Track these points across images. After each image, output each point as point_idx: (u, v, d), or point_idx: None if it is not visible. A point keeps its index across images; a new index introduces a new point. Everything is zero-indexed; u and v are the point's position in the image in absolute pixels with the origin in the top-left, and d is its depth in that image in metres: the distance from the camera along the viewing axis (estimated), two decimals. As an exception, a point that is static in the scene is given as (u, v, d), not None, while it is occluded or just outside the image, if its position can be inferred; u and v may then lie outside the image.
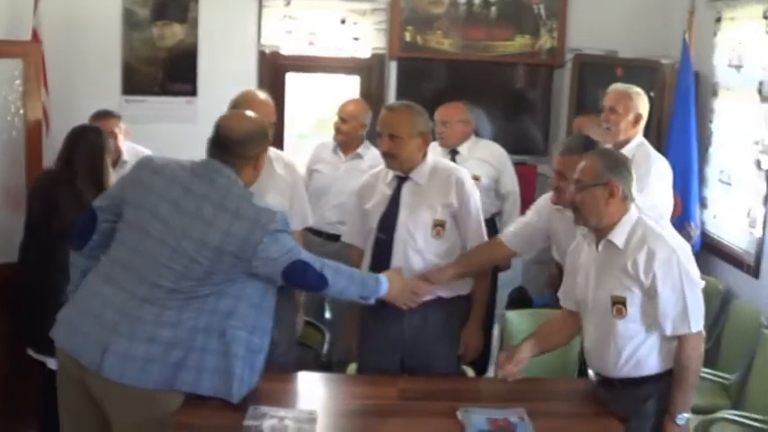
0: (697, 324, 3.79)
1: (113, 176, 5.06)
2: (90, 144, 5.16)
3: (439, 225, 4.57)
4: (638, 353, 3.87)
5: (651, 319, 3.82)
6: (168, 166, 3.87)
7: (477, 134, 6.55)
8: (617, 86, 5.49)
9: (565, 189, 4.20)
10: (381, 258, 4.61)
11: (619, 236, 3.86)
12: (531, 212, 4.80)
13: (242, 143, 3.84)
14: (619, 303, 3.86)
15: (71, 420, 3.99)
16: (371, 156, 6.14)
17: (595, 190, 3.85)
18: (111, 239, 3.89)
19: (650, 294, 3.79)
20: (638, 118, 5.33)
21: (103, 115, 5.96)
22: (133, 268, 3.76)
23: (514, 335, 5.22)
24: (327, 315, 5.33)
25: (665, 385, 3.85)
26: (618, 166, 3.89)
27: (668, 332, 3.79)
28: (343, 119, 6.30)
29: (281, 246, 3.76)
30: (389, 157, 4.60)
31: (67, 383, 3.90)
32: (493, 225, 6.38)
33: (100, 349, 3.66)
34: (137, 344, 3.67)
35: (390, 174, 4.70)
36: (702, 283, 3.87)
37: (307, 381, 4.44)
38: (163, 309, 3.71)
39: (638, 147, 5.30)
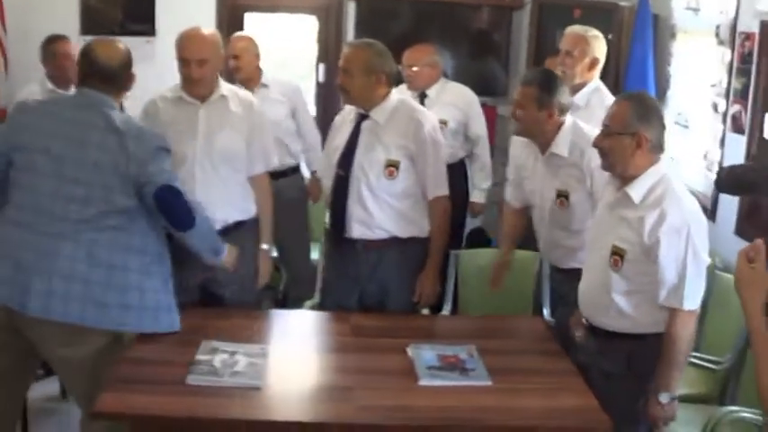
0: (691, 302, 3.65)
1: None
2: None
3: (392, 165, 4.54)
4: (627, 308, 3.77)
5: (646, 279, 3.69)
6: (46, 104, 4.17)
7: (447, 77, 6.51)
8: (573, 29, 5.42)
9: (522, 119, 4.32)
10: (339, 194, 4.64)
11: (637, 189, 3.74)
12: (510, 165, 4.83)
13: (119, 70, 4.04)
14: (617, 255, 3.76)
15: None
16: (277, 82, 6.15)
17: (623, 139, 3.72)
18: (7, 187, 3.92)
19: (650, 256, 3.66)
20: (594, 62, 5.28)
21: (60, 37, 6.10)
22: (38, 208, 3.83)
23: (468, 275, 5.27)
24: (274, 254, 5.29)
25: (648, 349, 3.73)
26: (649, 115, 3.73)
27: (660, 300, 3.68)
28: (236, 56, 6.08)
29: (160, 166, 3.92)
30: (342, 91, 4.63)
31: None
32: (462, 168, 6.41)
33: (23, 291, 3.74)
34: (56, 280, 3.76)
35: (354, 111, 4.70)
36: (707, 262, 3.73)
37: (261, 317, 4.50)
38: (76, 243, 3.80)
39: (594, 91, 5.26)
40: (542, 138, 4.40)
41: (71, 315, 3.77)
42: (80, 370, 3.91)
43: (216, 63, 4.55)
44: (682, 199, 3.68)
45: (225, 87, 4.63)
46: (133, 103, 5.54)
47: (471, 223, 6.67)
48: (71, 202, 3.80)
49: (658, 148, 3.75)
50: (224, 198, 4.55)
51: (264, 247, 4.73)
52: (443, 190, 4.69)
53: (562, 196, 4.36)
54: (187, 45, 4.53)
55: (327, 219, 4.78)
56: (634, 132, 3.70)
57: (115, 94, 4.04)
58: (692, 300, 3.65)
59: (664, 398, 3.70)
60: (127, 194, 3.86)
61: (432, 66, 6.23)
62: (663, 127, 3.78)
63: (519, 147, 4.65)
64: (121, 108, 4.19)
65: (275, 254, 5.35)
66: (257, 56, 6.15)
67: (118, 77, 4.03)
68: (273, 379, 3.71)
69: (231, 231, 4.54)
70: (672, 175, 3.80)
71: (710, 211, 5.57)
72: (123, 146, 3.82)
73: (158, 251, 4.04)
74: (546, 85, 4.32)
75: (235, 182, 4.61)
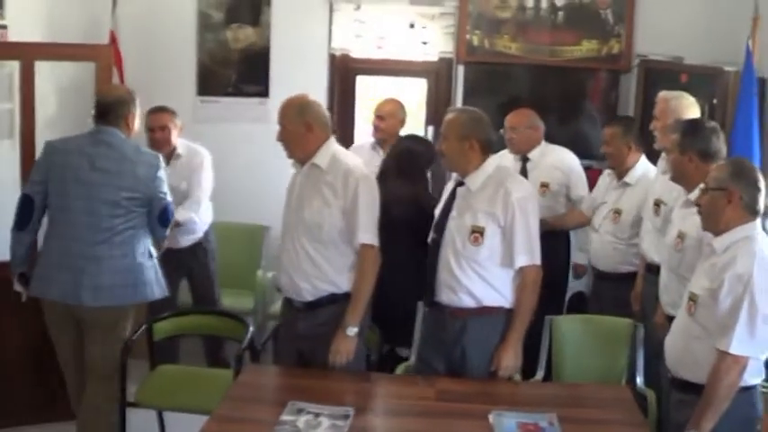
0: (739, 348, 3.68)
1: (169, 169, 5.68)
2: None
3: (477, 232, 4.56)
4: (699, 355, 3.82)
5: (712, 326, 3.78)
6: (71, 141, 5.08)
7: (549, 140, 6.55)
8: (660, 94, 5.56)
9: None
10: (431, 259, 4.71)
11: (721, 241, 3.87)
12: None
13: (113, 106, 5.05)
14: (691, 300, 3.90)
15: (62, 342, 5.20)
16: None
17: (716, 194, 3.88)
18: (44, 212, 5.06)
19: (716, 300, 3.75)
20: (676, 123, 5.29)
21: (158, 110, 6.24)
22: (78, 224, 4.94)
23: (563, 341, 5.25)
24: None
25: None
26: (743, 174, 3.87)
27: (713, 342, 3.76)
28: (380, 117, 6.41)
29: (164, 185, 5.11)
30: (441, 155, 4.76)
31: (55, 318, 5.13)
32: (565, 231, 6.43)
33: (77, 288, 4.91)
34: (102, 277, 4.94)
35: (454, 178, 4.82)
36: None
37: (351, 380, 4.54)
38: (111, 246, 4.96)
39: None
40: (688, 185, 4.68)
41: (115, 299, 4.98)
42: (112, 333, 5.07)
43: (293, 129, 4.64)
44: (757, 252, 3.76)
45: (320, 156, 4.67)
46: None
47: (573, 288, 6.63)
48: (101, 218, 4.93)
49: (751, 208, 3.85)
50: (310, 270, 4.66)
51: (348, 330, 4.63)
52: (534, 259, 4.63)
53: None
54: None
55: None
56: (726, 188, 3.83)
57: (122, 127, 5.07)
58: (740, 346, 3.69)
59: None
60: (143, 207, 5.03)
61: (533, 128, 6.28)
62: (758, 189, 3.87)
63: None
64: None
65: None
66: (402, 121, 6.43)
67: (113, 112, 5.04)
68: (353, 441, 3.77)
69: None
70: (761, 234, 3.88)
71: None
72: (133, 171, 4.96)
73: (148, 240, 5.18)
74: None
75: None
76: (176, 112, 6.28)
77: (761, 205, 3.89)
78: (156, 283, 5.15)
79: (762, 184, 3.91)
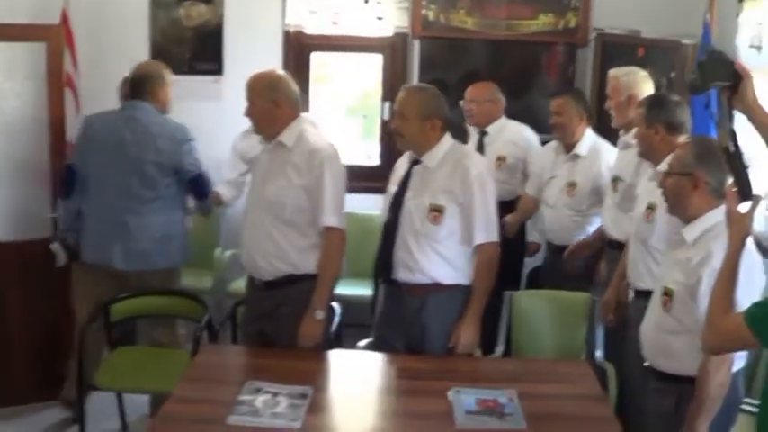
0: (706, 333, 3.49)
1: None
2: None
3: (435, 210, 4.53)
4: (676, 349, 3.77)
5: (692, 320, 3.63)
6: (106, 115, 5.50)
7: (506, 114, 6.55)
8: (610, 72, 5.61)
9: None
10: (387, 238, 4.68)
11: (692, 231, 3.79)
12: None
13: (140, 81, 5.46)
14: (666, 295, 3.79)
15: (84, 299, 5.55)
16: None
17: (680, 179, 3.80)
18: (86, 181, 5.39)
19: (694, 296, 3.65)
20: (630, 99, 5.32)
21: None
22: (110, 193, 5.33)
23: (522, 316, 5.27)
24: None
25: None
26: (708, 157, 3.73)
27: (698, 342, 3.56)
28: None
29: (190, 157, 5.40)
30: (396, 135, 4.66)
31: (88, 278, 5.56)
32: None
33: (109, 252, 5.34)
34: (131, 242, 5.33)
35: (407, 156, 4.75)
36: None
37: (309, 358, 4.51)
38: (139, 215, 5.33)
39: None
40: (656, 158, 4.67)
41: (144, 263, 5.38)
42: None
43: (261, 105, 4.59)
44: None
45: (287, 134, 4.62)
46: (199, 137, 5.74)
47: (532, 263, 6.64)
48: (128, 187, 5.29)
49: (718, 192, 3.71)
50: (270, 249, 4.63)
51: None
52: (492, 237, 4.61)
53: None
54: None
55: None
56: (690, 173, 3.74)
57: (152, 101, 5.43)
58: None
59: None
60: (169, 178, 5.35)
61: (492, 102, 6.30)
62: (724, 171, 3.67)
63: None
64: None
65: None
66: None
67: (141, 87, 5.42)
68: (312, 421, 3.75)
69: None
70: None
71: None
72: (156, 143, 5.30)
73: (183, 209, 5.54)
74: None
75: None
76: None
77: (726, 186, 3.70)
78: (181, 250, 5.55)
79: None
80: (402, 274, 4.63)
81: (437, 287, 4.60)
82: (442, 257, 4.59)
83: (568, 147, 5.81)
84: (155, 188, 5.34)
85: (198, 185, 5.42)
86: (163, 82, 5.51)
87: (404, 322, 4.68)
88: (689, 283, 3.67)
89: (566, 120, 5.77)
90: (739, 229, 3.09)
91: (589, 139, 5.78)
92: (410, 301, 4.64)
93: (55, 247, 5.70)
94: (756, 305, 2.94)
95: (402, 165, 4.81)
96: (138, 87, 5.44)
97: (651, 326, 3.95)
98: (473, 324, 4.61)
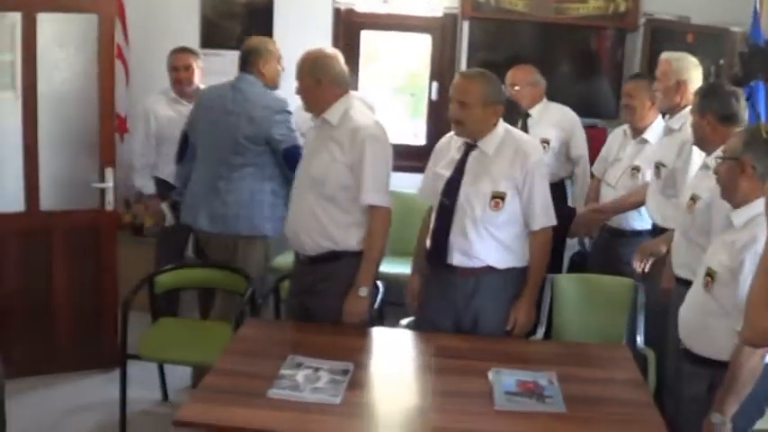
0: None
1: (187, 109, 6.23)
2: None
3: (497, 197, 4.52)
4: (715, 332, 3.76)
5: (733, 304, 3.62)
6: (216, 88, 5.70)
7: (550, 97, 6.52)
8: (662, 56, 5.50)
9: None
10: (442, 223, 4.65)
11: (740, 216, 3.79)
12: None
13: (247, 55, 5.61)
14: (709, 276, 3.80)
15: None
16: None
17: (729, 164, 3.81)
18: (195, 148, 5.66)
19: (736, 279, 3.64)
20: (679, 84, 5.27)
21: (182, 50, 6.50)
22: (208, 160, 5.56)
23: (563, 300, 5.26)
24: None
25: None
26: (756, 143, 3.74)
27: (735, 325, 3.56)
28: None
29: (282, 128, 5.46)
30: (457, 124, 4.59)
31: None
32: (562, 189, 6.43)
33: (198, 215, 5.56)
34: (217, 207, 5.49)
35: (460, 140, 4.69)
36: None
37: (352, 335, 4.54)
38: (229, 181, 5.47)
39: (688, 114, 5.21)
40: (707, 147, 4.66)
41: (227, 227, 5.49)
42: (233, 260, 5.54)
43: (306, 83, 4.63)
44: None
45: (332, 111, 4.64)
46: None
47: (574, 247, 6.62)
48: (223, 155, 5.47)
49: (767, 178, 3.70)
50: (312, 225, 4.66)
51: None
52: (550, 221, 4.65)
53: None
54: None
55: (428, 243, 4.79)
56: (738, 157, 3.75)
57: (256, 74, 5.56)
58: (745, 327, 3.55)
59: (715, 418, 3.66)
60: (260, 147, 5.44)
61: (533, 85, 6.27)
62: None
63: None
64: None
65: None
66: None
67: (247, 60, 5.58)
68: (352, 397, 3.78)
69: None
70: None
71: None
72: (251, 113, 5.41)
73: (281, 180, 5.51)
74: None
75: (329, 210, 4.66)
76: (199, 54, 6.56)
77: None
78: (269, 220, 5.52)
79: None
80: (457, 259, 4.61)
81: (491, 270, 4.60)
82: (499, 243, 4.59)
83: (637, 131, 5.77)
84: (244, 155, 5.44)
85: (291, 157, 5.31)
86: (269, 56, 5.62)
87: (455, 305, 4.67)
88: (732, 265, 3.67)
89: (637, 103, 5.71)
90: None
91: (658, 126, 5.72)
92: (464, 285, 4.63)
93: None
94: None
95: (446, 146, 4.78)
96: (245, 61, 5.60)
97: (691, 307, 3.97)
98: (529, 305, 4.66)
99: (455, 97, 4.55)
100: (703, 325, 3.84)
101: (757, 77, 3.31)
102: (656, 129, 5.69)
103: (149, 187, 6.48)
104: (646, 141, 5.70)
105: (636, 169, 5.68)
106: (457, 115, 4.55)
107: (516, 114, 5.41)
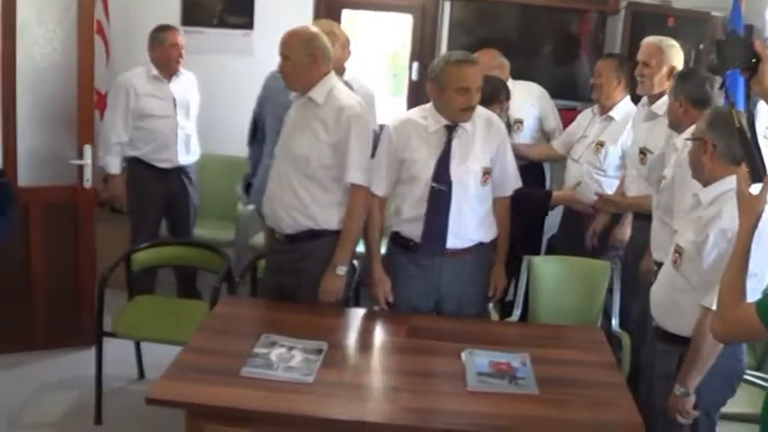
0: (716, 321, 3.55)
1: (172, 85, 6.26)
2: None
3: (486, 173, 4.64)
4: (683, 308, 3.81)
5: (700, 279, 3.73)
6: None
7: (530, 79, 6.53)
8: (649, 40, 5.49)
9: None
10: (438, 208, 4.63)
11: (706, 194, 3.85)
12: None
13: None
14: (677, 253, 3.87)
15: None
16: None
17: (695, 144, 3.90)
18: (264, 130, 5.59)
19: (701, 254, 3.72)
20: (671, 71, 5.29)
21: (172, 27, 6.34)
22: (273, 144, 5.02)
23: (540, 282, 5.28)
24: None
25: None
26: (718, 123, 3.79)
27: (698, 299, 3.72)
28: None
29: None
30: (471, 110, 4.60)
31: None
32: (540, 170, 6.45)
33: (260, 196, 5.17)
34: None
35: (435, 122, 4.64)
36: (754, 272, 3.44)
37: (327, 314, 4.55)
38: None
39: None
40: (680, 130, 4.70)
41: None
42: None
43: (297, 59, 4.54)
44: None
45: (318, 90, 4.59)
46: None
47: (552, 229, 6.63)
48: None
49: (730, 157, 3.75)
50: (292, 202, 4.65)
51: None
52: (518, 182, 4.85)
53: None
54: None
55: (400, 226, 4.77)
56: (701, 137, 3.83)
57: None
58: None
59: (677, 390, 3.75)
60: None
61: (500, 68, 6.24)
62: (735, 139, 3.62)
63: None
64: None
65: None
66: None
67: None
68: (324, 376, 3.80)
69: None
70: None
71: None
72: None
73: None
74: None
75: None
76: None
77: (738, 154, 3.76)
78: None
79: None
80: (450, 242, 4.65)
81: (480, 246, 4.73)
82: (485, 217, 4.73)
83: (603, 109, 5.82)
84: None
85: None
86: (333, 40, 5.19)
87: (439, 288, 4.71)
88: (698, 240, 3.74)
89: (604, 80, 5.79)
90: (750, 211, 3.05)
91: (625, 107, 5.80)
92: (448, 267, 4.68)
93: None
94: None
95: (408, 132, 4.69)
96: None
97: (661, 285, 4.03)
98: (503, 270, 4.85)
99: (472, 86, 4.53)
100: (673, 302, 3.90)
101: (734, 66, 3.30)
102: (622, 108, 5.80)
103: (114, 166, 6.31)
104: (612, 119, 5.80)
105: (600, 144, 5.77)
106: (474, 102, 4.57)
107: (503, 94, 5.45)
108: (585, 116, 6.08)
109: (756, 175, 3.07)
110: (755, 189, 3.04)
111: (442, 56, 4.77)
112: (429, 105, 4.67)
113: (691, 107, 4.58)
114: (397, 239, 4.78)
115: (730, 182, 3.67)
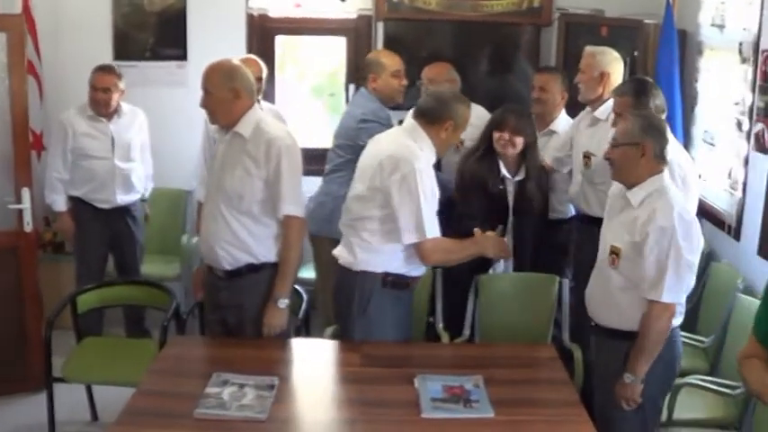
0: (669, 296, 3.94)
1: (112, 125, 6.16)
2: None
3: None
4: (623, 305, 4.09)
5: (639, 276, 4.00)
6: None
7: (466, 94, 6.51)
8: (587, 49, 5.67)
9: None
10: None
11: (637, 194, 4.07)
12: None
13: (360, 68, 5.92)
14: (614, 254, 4.08)
15: None
16: None
17: (628, 149, 4.07)
18: None
19: (640, 253, 3.96)
20: (603, 76, 5.44)
21: (104, 70, 6.18)
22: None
23: (491, 300, 5.27)
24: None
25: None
26: (651, 127, 4.08)
27: (643, 293, 3.99)
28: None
29: (366, 136, 5.15)
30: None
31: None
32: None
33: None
34: (315, 209, 5.72)
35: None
36: (693, 262, 3.99)
37: (276, 347, 4.52)
38: (327, 182, 5.93)
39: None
40: None
41: (323, 231, 5.65)
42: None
43: (219, 95, 4.48)
44: (674, 204, 3.96)
45: (243, 124, 4.53)
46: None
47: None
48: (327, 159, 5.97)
49: (661, 158, 4.09)
50: (228, 238, 4.58)
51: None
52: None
53: None
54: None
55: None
56: (638, 142, 4.03)
57: (367, 86, 5.84)
58: (671, 294, 3.95)
59: (627, 378, 4.02)
60: (345, 152, 5.73)
61: (450, 81, 6.25)
62: (666, 139, 4.12)
63: None
64: None
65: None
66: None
67: (360, 73, 5.99)
68: (278, 412, 3.76)
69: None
70: (670, 184, 4.13)
71: (735, 231, 5.52)
72: (342, 121, 5.95)
73: None
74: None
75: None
76: (122, 74, 6.24)
77: (667, 153, 4.11)
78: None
79: (668, 133, 4.19)
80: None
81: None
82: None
83: (543, 123, 5.86)
84: (332, 161, 5.87)
85: None
86: (379, 70, 5.81)
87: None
88: (636, 240, 3.97)
89: (550, 96, 5.86)
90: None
91: (564, 118, 5.90)
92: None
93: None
94: (758, 320, 3.31)
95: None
96: (358, 74, 6.04)
97: (598, 286, 4.25)
98: None
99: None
100: (612, 300, 4.14)
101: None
102: (563, 120, 5.90)
103: (60, 203, 6.22)
104: (553, 132, 5.87)
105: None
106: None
107: None
108: None
109: None
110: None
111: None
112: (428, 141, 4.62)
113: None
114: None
115: (656, 181, 4.05)
